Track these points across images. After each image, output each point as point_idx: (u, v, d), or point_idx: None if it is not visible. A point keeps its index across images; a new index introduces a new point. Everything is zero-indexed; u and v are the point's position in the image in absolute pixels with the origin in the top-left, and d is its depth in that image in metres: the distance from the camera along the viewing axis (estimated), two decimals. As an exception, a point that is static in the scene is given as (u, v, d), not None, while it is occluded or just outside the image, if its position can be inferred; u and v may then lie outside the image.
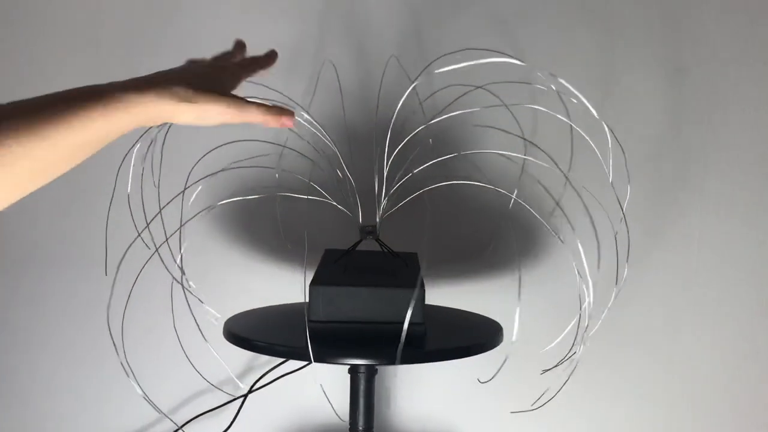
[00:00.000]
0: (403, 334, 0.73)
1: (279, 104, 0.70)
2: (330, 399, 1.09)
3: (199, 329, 0.91)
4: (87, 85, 0.56)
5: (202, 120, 0.61)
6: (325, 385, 1.09)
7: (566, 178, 0.87)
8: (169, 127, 0.83)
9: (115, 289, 0.87)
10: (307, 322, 0.76)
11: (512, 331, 0.89)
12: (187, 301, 0.91)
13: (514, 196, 0.87)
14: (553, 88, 0.87)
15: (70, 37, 1.08)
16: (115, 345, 0.88)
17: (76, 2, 1.08)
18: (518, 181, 0.95)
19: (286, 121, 0.67)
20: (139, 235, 0.85)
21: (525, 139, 0.92)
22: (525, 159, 0.92)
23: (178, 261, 0.90)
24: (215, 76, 0.66)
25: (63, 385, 1.12)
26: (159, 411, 1.01)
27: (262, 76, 0.75)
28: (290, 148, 0.93)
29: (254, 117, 0.65)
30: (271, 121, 0.67)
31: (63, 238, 1.11)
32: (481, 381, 0.88)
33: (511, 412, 0.95)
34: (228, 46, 1.07)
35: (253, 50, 1.06)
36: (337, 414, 1.00)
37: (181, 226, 0.89)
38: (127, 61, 1.08)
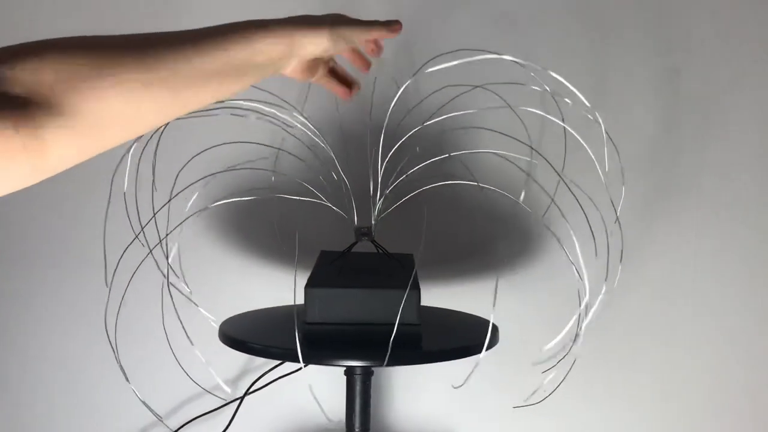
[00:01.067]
0: (392, 335, 0.73)
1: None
2: (327, 400, 1.09)
3: (186, 333, 0.91)
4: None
5: (335, 46, 0.68)
6: (323, 386, 1.09)
7: (560, 177, 0.88)
8: (164, 128, 0.83)
9: (111, 292, 0.87)
10: (296, 324, 0.75)
11: (507, 331, 0.89)
12: (173, 304, 0.91)
13: (510, 195, 0.87)
14: (548, 89, 0.87)
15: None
16: (112, 347, 0.88)
17: (75, 3, 1.08)
18: (517, 183, 0.95)
19: (397, 28, 0.73)
20: (137, 236, 0.85)
21: (520, 141, 0.92)
22: (520, 158, 0.93)
23: (169, 262, 0.89)
24: (336, 15, 0.72)
25: (57, 388, 1.12)
26: (155, 414, 1.00)
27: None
28: (285, 151, 0.93)
29: (378, 32, 0.72)
30: (390, 33, 0.73)
31: (58, 239, 1.10)
32: (454, 386, 0.88)
33: (514, 407, 0.95)
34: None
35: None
36: (326, 416, 1.00)
37: (171, 230, 0.89)
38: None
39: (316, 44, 0.67)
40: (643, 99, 1.08)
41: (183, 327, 0.89)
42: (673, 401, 1.11)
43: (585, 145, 0.86)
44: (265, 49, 0.62)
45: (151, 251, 0.87)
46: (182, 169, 0.91)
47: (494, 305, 0.79)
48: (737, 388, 1.10)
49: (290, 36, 0.64)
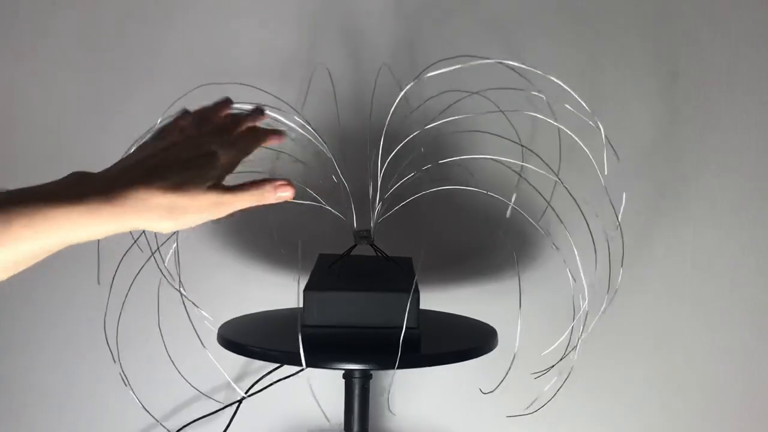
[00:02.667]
0: (401, 337, 0.73)
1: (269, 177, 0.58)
2: (325, 404, 1.09)
3: (198, 336, 0.91)
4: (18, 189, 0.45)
5: (182, 225, 0.49)
6: (320, 389, 1.08)
7: (559, 181, 0.88)
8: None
9: (111, 295, 0.87)
10: (299, 328, 0.75)
11: (508, 337, 0.89)
12: (185, 307, 0.91)
13: (510, 203, 0.87)
14: (543, 97, 0.87)
15: (67, 39, 1.08)
16: (111, 350, 0.88)
17: (74, 3, 1.08)
18: (514, 187, 0.95)
19: (282, 192, 0.56)
20: (135, 242, 0.85)
21: (520, 144, 0.92)
22: (520, 164, 0.93)
23: (167, 265, 0.89)
24: (195, 163, 0.51)
25: (56, 392, 1.12)
26: (153, 417, 1.00)
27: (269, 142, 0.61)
28: (286, 153, 0.93)
29: (247, 202, 0.54)
30: (268, 198, 0.55)
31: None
32: (484, 392, 0.87)
33: (507, 416, 0.95)
34: (223, 51, 1.08)
35: (249, 56, 1.07)
36: (326, 417, 1.00)
37: (167, 238, 0.88)
38: (123, 66, 1.08)
39: (149, 227, 0.48)
40: (641, 102, 1.08)
41: (195, 329, 0.89)
42: (671, 407, 1.11)
43: (585, 149, 0.86)
44: (72, 237, 0.45)
45: (152, 255, 0.87)
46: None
47: (520, 306, 0.78)
48: (737, 393, 1.10)
49: (115, 223, 0.46)
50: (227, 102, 0.62)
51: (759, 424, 1.10)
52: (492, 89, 0.89)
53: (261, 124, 0.61)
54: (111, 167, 0.50)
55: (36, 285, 1.11)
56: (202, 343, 0.90)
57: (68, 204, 0.45)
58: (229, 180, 0.57)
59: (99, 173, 0.49)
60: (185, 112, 0.59)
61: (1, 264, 0.45)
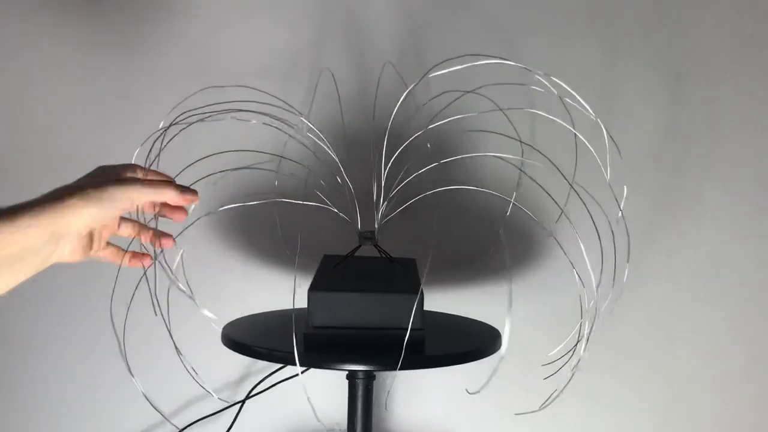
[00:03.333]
0: (405, 340, 0.73)
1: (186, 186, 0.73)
2: (328, 404, 1.10)
3: (175, 345, 0.91)
4: None
5: (115, 207, 0.64)
6: (325, 390, 1.09)
7: (570, 184, 0.87)
8: (163, 135, 0.83)
9: (116, 293, 0.88)
10: (293, 329, 0.75)
11: (511, 338, 0.89)
12: (162, 310, 0.91)
13: (512, 200, 0.87)
14: (554, 90, 0.87)
15: (69, 40, 1.09)
16: (120, 347, 0.88)
17: (77, 3, 1.08)
18: (516, 186, 0.95)
19: (190, 198, 0.71)
20: (141, 245, 0.85)
21: (523, 143, 0.91)
22: (522, 163, 0.92)
23: (174, 267, 0.90)
24: (110, 175, 0.69)
25: (63, 388, 1.13)
26: (160, 413, 1.01)
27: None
28: (289, 159, 0.93)
29: (168, 194, 0.69)
30: (182, 199, 0.70)
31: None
32: (470, 392, 0.87)
33: (516, 414, 0.94)
34: (227, 52, 1.08)
35: (253, 57, 1.07)
36: (318, 420, 1.00)
37: (175, 237, 0.89)
38: (126, 68, 1.08)
39: (82, 214, 0.62)
40: (644, 104, 1.07)
41: (171, 335, 0.90)
42: (676, 407, 1.11)
43: (587, 144, 0.85)
44: (16, 238, 0.59)
45: (157, 257, 0.87)
46: (180, 173, 0.91)
47: (510, 305, 0.78)
48: (740, 398, 1.10)
49: (49, 211, 0.60)
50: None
51: (765, 419, 1.10)
52: (495, 84, 0.89)
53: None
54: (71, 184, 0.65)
55: (42, 282, 1.12)
56: (178, 352, 0.90)
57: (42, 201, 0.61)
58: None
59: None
60: None
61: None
